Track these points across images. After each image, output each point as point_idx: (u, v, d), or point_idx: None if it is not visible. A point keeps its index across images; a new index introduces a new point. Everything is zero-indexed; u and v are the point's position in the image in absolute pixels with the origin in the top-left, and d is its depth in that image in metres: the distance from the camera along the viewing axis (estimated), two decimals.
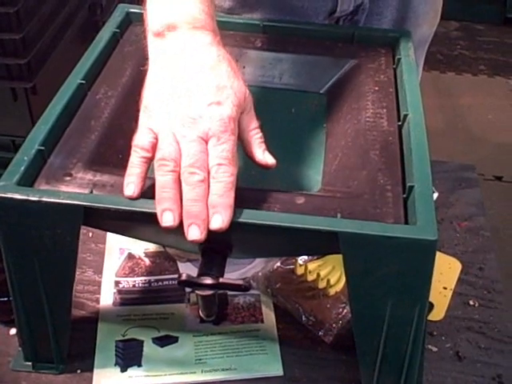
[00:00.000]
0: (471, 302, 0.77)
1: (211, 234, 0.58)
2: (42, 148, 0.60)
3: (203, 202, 0.54)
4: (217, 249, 0.59)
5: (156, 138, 0.56)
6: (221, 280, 0.56)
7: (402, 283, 0.57)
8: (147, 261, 0.80)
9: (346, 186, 0.60)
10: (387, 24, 0.88)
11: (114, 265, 0.80)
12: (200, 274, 0.58)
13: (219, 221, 0.53)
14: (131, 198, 0.56)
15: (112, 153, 0.63)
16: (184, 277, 0.56)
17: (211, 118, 0.55)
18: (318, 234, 0.55)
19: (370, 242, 0.54)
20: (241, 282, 0.56)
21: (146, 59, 0.75)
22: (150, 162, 0.57)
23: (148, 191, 0.57)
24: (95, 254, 0.81)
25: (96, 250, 0.82)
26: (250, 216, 0.55)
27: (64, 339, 0.67)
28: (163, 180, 0.54)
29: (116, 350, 0.70)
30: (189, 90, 0.57)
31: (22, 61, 1.00)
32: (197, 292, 0.58)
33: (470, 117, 2.06)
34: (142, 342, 0.71)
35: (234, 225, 0.55)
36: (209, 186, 0.54)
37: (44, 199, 0.56)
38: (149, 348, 0.70)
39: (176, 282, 0.76)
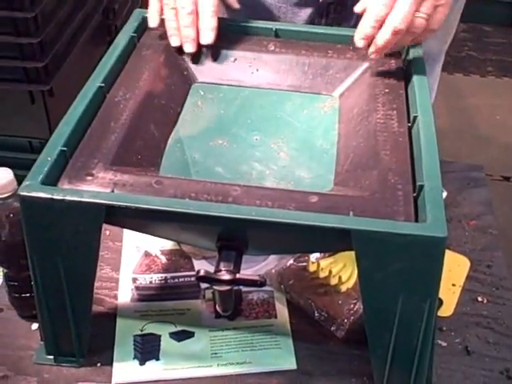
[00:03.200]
0: (479, 299, 0.79)
1: (227, 231, 0.61)
2: (65, 149, 0.63)
3: (193, 27, 0.77)
4: (233, 245, 0.62)
5: None
6: (237, 276, 0.58)
7: (412, 279, 0.59)
8: (163, 258, 0.82)
9: (358, 185, 0.62)
10: None
11: (131, 262, 0.82)
12: (217, 270, 0.60)
13: (205, 40, 0.77)
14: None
15: (131, 153, 0.65)
16: (202, 272, 0.58)
17: None
18: (331, 231, 0.57)
19: (382, 239, 0.56)
20: (257, 278, 0.58)
21: (163, 62, 0.78)
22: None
23: (168, 191, 0.59)
24: (113, 251, 0.83)
25: (113, 247, 0.84)
26: (265, 214, 0.57)
27: (85, 334, 0.69)
28: (168, 14, 0.78)
29: (134, 345, 0.72)
30: None
31: (40, 64, 1.03)
32: (214, 287, 0.60)
33: (478, 117, 2.07)
34: (160, 336, 0.73)
35: (249, 222, 0.57)
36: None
37: (67, 198, 0.58)
38: (166, 342, 0.73)
39: (192, 278, 0.80)
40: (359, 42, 0.73)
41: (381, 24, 0.70)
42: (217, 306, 0.63)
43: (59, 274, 0.63)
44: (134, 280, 0.80)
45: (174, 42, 0.79)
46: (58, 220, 0.59)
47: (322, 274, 0.77)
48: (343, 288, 0.76)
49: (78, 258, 0.62)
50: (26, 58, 1.03)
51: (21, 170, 1.03)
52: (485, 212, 0.91)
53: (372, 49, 0.73)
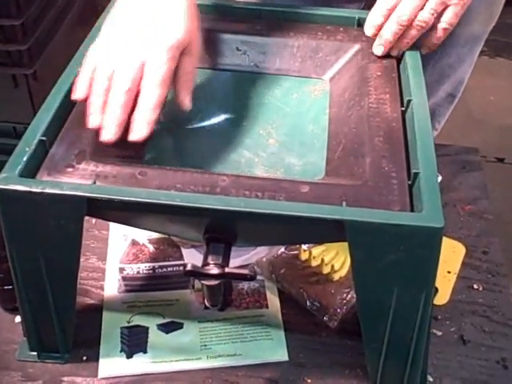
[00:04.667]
0: (475, 286, 0.77)
1: (215, 223, 0.58)
2: (44, 138, 0.60)
3: (125, 110, 0.60)
4: (221, 238, 0.59)
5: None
6: (226, 270, 0.56)
7: (408, 271, 0.57)
8: (151, 247, 0.80)
9: (351, 173, 0.60)
10: None
11: (117, 251, 0.80)
12: (205, 264, 0.57)
13: (136, 134, 0.60)
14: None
15: (114, 143, 0.63)
16: (189, 267, 0.56)
17: (150, 48, 0.61)
18: (323, 222, 0.54)
19: (376, 230, 0.54)
20: (246, 272, 0.56)
21: None
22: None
23: (152, 182, 0.57)
24: (99, 240, 0.81)
25: (99, 236, 0.82)
26: (254, 205, 0.55)
27: (69, 329, 0.67)
28: (97, 88, 0.61)
29: (121, 337, 0.70)
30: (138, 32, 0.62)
31: (23, 47, 0.99)
32: (202, 282, 0.57)
33: (472, 98, 2.05)
34: (147, 328, 0.71)
35: (238, 214, 0.55)
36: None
37: (47, 191, 0.55)
38: (154, 334, 0.71)
39: (181, 268, 0.77)
40: (368, 31, 0.73)
41: (390, 14, 0.70)
42: (205, 300, 0.60)
43: (40, 269, 0.60)
44: (121, 270, 0.77)
45: (93, 121, 0.60)
46: (37, 214, 0.57)
47: (314, 263, 0.75)
48: (336, 277, 0.74)
49: (59, 252, 0.60)
50: (8, 40, 0.99)
51: (6, 156, 1.01)
52: (480, 196, 0.89)
53: (377, 42, 0.72)
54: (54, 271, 0.61)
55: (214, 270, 0.56)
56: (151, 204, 0.55)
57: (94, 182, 0.57)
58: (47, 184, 0.56)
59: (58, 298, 0.63)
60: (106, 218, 0.63)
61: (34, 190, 0.55)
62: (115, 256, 0.79)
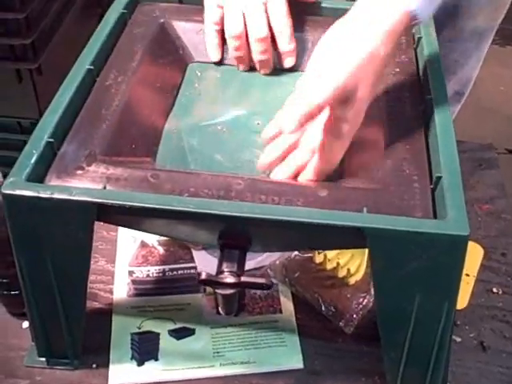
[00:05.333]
0: (494, 290, 0.75)
1: (230, 229, 0.56)
2: (52, 140, 0.58)
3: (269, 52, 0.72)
4: (236, 243, 0.57)
5: None
6: (242, 279, 0.54)
7: (430, 279, 0.54)
8: (161, 249, 0.78)
9: (370, 176, 0.58)
10: None
11: (126, 254, 0.78)
12: (220, 271, 0.55)
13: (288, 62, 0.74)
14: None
15: (125, 143, 0.61)
16: (204, 276, 0.54)
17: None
18: (342, 229, 0.52)
19: (399, 238, 0.52)
20: (263, 281, 0.54)
21: (156, 40, 0.72)
22: None
23: (165, 185, 0.55)
24: (107, 242, 0.79)
25: (108, 238, 0.79)
26: (271, 211, 0.53)
27: (78, 335, 0.65)
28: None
29: (132, 344, 0.68)
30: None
31: (27, 41, 0.96)
32: (217, 291, 0.55)
33: (482, 88, 2.01)
34: (158, 334, 0.69)
35: (253, 220, 0.53)
36: None
37: (55, 196, 0.53)
38: (165, 341, 0.69)
39: (192, 270, 0.75)
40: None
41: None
42: (219, 308, 0.58)
43: (49, 275, 0.58)
44: (131, 273, 0.75)
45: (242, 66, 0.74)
46: (45, 219, 0.55)
47: (330, 266, 0.73)
48: (352, 280, 0.72)
49: (68, 258, 0.58)
50: (12, 34, 0.96)
51: (11, 152, 0.98)
52: (498, 195, 0.87)
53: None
54: (63, 277, 0.59)
55: (230, 279, 0.54)
56: (163, 210, 0.53)
57: (105, 187, 0.55)
58: (55, 189, 0.54)
59: (67, 304, 0.61)
60: (116, 223, 0.61)
61: (41, 195, 0.53)
62: (124, 258, 0.77)
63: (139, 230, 0.61)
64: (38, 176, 0.56)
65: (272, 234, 0.57)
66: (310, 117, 0.54)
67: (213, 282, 0.54)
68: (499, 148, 1.91)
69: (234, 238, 0.57)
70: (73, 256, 0.58)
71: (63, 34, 1.08)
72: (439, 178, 0.56)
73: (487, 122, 1.95)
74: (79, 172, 0.56)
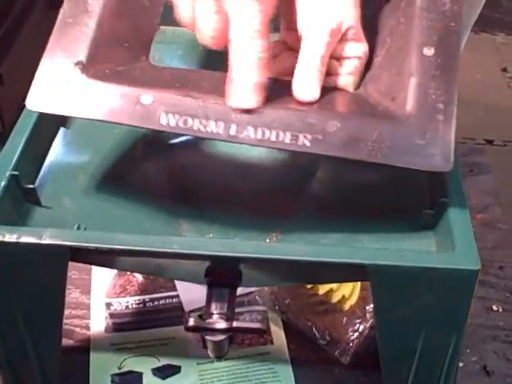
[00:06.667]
0: (494, 307, 0.72)
1: (217, 266, 0.51)
2: (16, 173, 0.52)
3: None
4: (224, 280, 0.52)
5: None
6: (235, 324, 0.49)
7: (438, 315, 0.50)
8: (139, 277, 0.72)
9: (391, 94, 0.49)
10: None
11: (103, 283, 0.72)
12: (208, 313, 0.50)
13: None
14: None
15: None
16: (191, 322, 0.49)
17: None
18: (341, 264, 0.48)
19: (404, 274, 0.47)
20: (258, 325, 0.49)
21: None
22: None
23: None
24: (81, 271, 0.73)
25: (82, 266, 0.73)
26: (263, 251, 0.48)
27: (53, 379, 0.59)
28: None
29: None
30: None
31: None
32: (207, 337, 0.50)
33: (459, 77, 1.99)
34: (141, 374, 0.64)
35: (245, 259, 0.48)
36: None
37: (23, 240, 0.47)
38: (149, 380, 0.64)
39: (174, 300, 0.70)
40: None
41: None
42: (209, 352, 0.53)
43: (18, 324, 0.52)
44: (108, 305, 0.70)
45: None
46: (11, 264, 0.49)
47: (322, 291, 0.68)
48: (346, 306, 0.68)
49: (40, 306, 0.52)
50: None
51: None
52: (492, 203, 0.83)
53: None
54: (34, 326, 0.53)
55: (221, 324, 0.49)
56: (147, 252, 0.48)
57: (79, 227, 0.49)
58: (23, 232, 0.48)
59: (40, 353, 0.55)
60: (94, 263, 0.56)
61: (6, 239, 0.48)
62: (100, 289, 0.71)
63: (118, 269, 0.55)
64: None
65: (264, 271, 0.52)
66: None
67: (202, 328, 0.49)
68: (478, 139, 1.89)
69: (223, 274, 0.52)
70: (45, 303, 0.52)
71: (24, 41, 1.01)
72: (444, 203, 0.51)
73: (464, 111, 1.91)
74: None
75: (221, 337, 0.50)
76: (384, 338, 0.53)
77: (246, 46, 0.47)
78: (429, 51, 0.49)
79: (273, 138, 0.47)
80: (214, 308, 0.51)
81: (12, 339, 0.55)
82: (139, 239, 0.48)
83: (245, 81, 0.47)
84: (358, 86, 0.52)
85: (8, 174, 0.52)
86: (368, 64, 0.53)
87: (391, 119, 0.48)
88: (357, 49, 0.52)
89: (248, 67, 0.47)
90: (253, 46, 0.47)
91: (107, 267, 0.55)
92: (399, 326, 0.51)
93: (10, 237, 0.48)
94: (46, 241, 0.47)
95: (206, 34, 0.49)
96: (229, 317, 0.50)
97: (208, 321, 0.50)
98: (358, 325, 0.67)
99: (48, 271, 0.49)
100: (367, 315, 0.67)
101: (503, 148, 1.95)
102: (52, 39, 0.52)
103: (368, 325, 0.67)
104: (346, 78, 0.52)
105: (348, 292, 0.68)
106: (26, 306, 0.52)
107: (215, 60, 0.59)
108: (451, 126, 0.47)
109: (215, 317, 0.50)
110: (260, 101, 0.48)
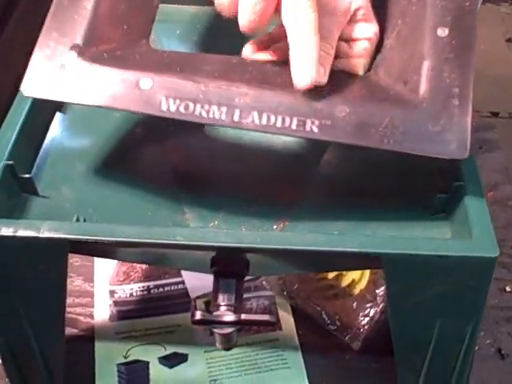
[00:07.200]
0: (508, 288, 0.70)
1: (223, 256, 0.49)
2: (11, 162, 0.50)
3: None
4: (231, 270, 0.50)
5: None
6: (243, 316, 0.47)
7: (454, 303, 0.48)
8: None
9: (403, 80, 0.47)
10: None
11: (106, 270, 0.70)
12: (216, 305, 0.49)
13: None
14: None
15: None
16: (198, 316, 0.47)
17: None
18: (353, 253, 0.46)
19: (419, 262, 0.45)
20: (267, 318, 0.48)
21: None
22: None
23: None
24: (83, 258, 0.71)
25: None
26: (271, 241, 0.45)
27: (58, 370, 0.58)
28: None
29: (119, 376, 0.62)
30: None
31: None
32: (214, 330, 0.49)
33: None
34: (148, 363, 0.63)
35: (252, 249, 0.46)
36: None
37: (20, 234, 0.45)
38: (156, 370, 0.62)
39: (180, 286, 0.69)
40: None
41: None
42: (217, 344, 0.52)
43: (20, 318, 0.51)
44: (112, 293, 0.68)
45: None
46: (10, 259, 0.47)
47: (331, 275, 0.66)
48: (356, 290, 0.66)
49: (41, 300, 0.50)
50: None
51: None
52: (502, 181, 0.81)
53: None
54: (36, 320, 0.52)
55: (229, 317, 0.47)
56: (147, 243, 0.46)
57: (78, 219, 0.47)
58: (21, 225, 0.46)
59: (42, 343, 0.54)
60: (95, 254, 0.54)
61: (3, 233, 0.46)
62: (104, 276, 0.70)
63: (121, 260, 0.53)
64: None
65: (272, 260, 0.50)
66: None
67: (209, 321, 0.48)
68: (483, 111, 1.86)
69: (229, 264, 0.50)
70: (46, 297, 0.50)
71: (12, 31, 0.97)
72: (460, 186, 0.49)
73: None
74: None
75: (229, 329, 0.48)
76: (398, 327, 0.51)
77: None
78: (443, 32, 0.47)
79: (278, 124, 0.45)
80: (222, 299, 0.49)
81: (14, 333, 0.53)
82: (141, 231, 0.46)
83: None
84: (368, 70, 0.49)
85: (2, 164, 0.50)
86: (378, 46, 0.50)
87: (403, 104, 0.45)
88: (367, 30, 0.49)
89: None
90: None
91: (109, 258, 0.53)
92: (414, 315, 0.50)
93: (7, 230, 0.46)
94: (44, 234, 0.45)
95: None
96: (237, 308, 0.48)
97: (215, 313, 0.48)
98: (368, 309, 0.65)
99: (47, 264, 0.47)
100: (378, 299, 0.65)
101: (509, 120, 1.93)
102: (47, 22, 0.50)
103: (379, 309, 0.65)
104: (356, 60, 0.49)
105: (358, 276, 0.66)
106: (27, 300, 0.50)
107: (214, 39, 0.56)
108: (467, 111, 0.44)
109: (223, 309, 0.48)
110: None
